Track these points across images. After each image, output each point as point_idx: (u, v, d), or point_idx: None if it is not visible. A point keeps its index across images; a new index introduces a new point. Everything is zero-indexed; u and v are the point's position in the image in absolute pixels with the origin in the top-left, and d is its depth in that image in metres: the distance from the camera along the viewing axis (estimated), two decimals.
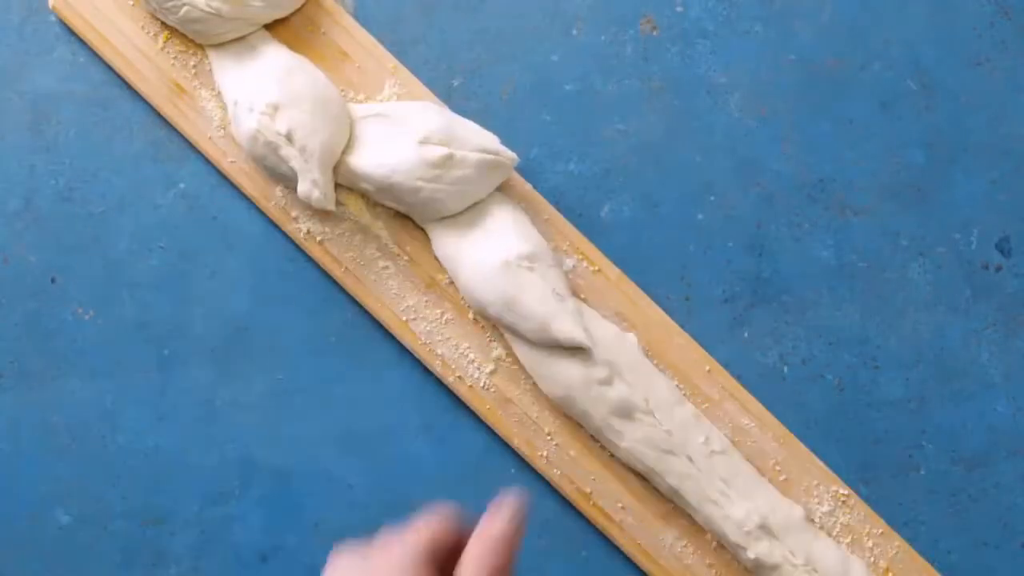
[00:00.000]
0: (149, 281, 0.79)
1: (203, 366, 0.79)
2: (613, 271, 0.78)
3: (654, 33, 0.80)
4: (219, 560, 0.78)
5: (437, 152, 0.73)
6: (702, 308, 0.79)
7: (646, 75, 0.80)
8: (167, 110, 0.78)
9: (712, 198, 0.79)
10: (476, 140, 0.74)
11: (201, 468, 0.79)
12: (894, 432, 0.78)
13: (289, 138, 0.72)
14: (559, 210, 0.78)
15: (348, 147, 0.75)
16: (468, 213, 0.75)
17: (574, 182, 0.79)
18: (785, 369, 0.79)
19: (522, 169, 0.79)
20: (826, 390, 0.79)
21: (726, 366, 0.78)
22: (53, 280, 0.79)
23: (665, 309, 0.77)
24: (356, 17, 0.79)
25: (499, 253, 0.73)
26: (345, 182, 0.75)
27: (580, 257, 0.78)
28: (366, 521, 0.78)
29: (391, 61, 0.78)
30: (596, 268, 0.78)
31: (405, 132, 0.74)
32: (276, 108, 0.73)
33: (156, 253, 0.79)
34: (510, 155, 0.75)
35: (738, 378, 0.78)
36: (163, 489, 0.79)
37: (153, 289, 0.79)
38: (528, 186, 0.78)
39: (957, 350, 0.79)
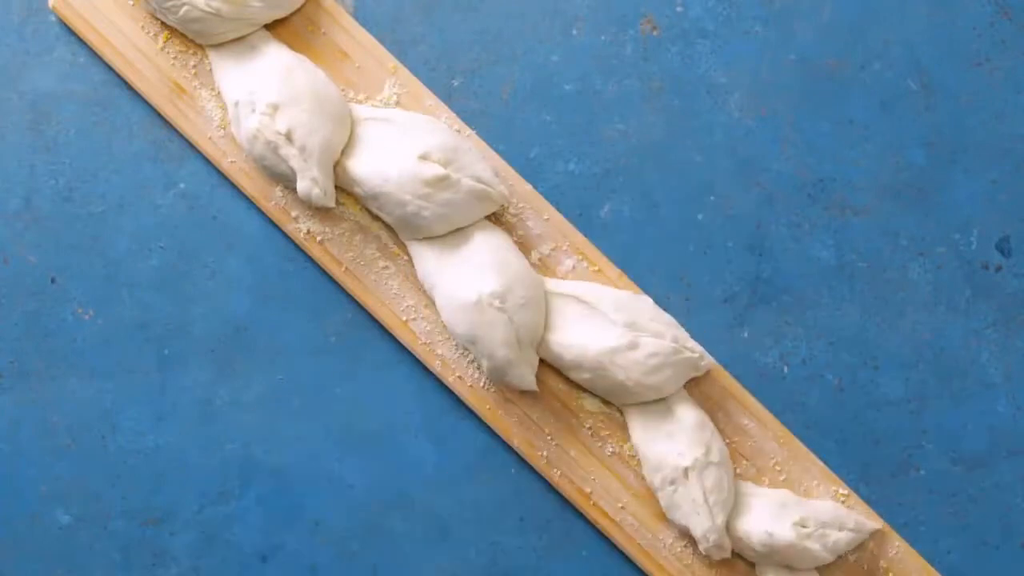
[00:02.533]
0: (149, 281, 0.79)
1: (203, 366, 0.79)
2: (613, 271, 0.78)
3: (654, 33, 0.80)
4: (219, 560, 0.78)
5: (433, 170, 0.72)
6: (702, 308, 0.79)
7: (646, 75, 0.80)
8: (167, 110, 0.78)
9: (712, 198, 0.79)
10: (474, 168, 0.74)
11: (201, 468, 0.79)
12: (894, 432, 0.78)
13: (289, 137, 0.72)
14: (559, 210, 0.78)
15: (347, 148, 0.75)
16: (450, 237, 0.75)
17: (574, 182, 0.79)
18: (785, 369, 0.79)
19: (522, 169, 0.79)
20: (826, 390, 0.79)
21: (726, 366, 0.78)
22: (53, 280, 0.79)
23: (665, 309, 0.77)
24: (355, 17, 0.79)
25: (472, 288, 0.72)
26: (339, 183, 0.75)
27: (580, 257, 0.78)
28: (366, 521, 0.78)
29: (391, 61, 0.78)
30: (596, 268, 0.78)
31: (407, 143, 0.74)
32: (276, 108, 0.73)
33: (156, 253, 0.79)
34: (502, 191, 0.75)
35: (738, 378, 0.78)
36: (163, 489, 0.79)
37: (153, 289, 0.79)
38: (528, 186, 0.78)
39: (957, 350, 0.79)
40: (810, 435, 0.78)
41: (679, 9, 0.80)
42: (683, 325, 0.76)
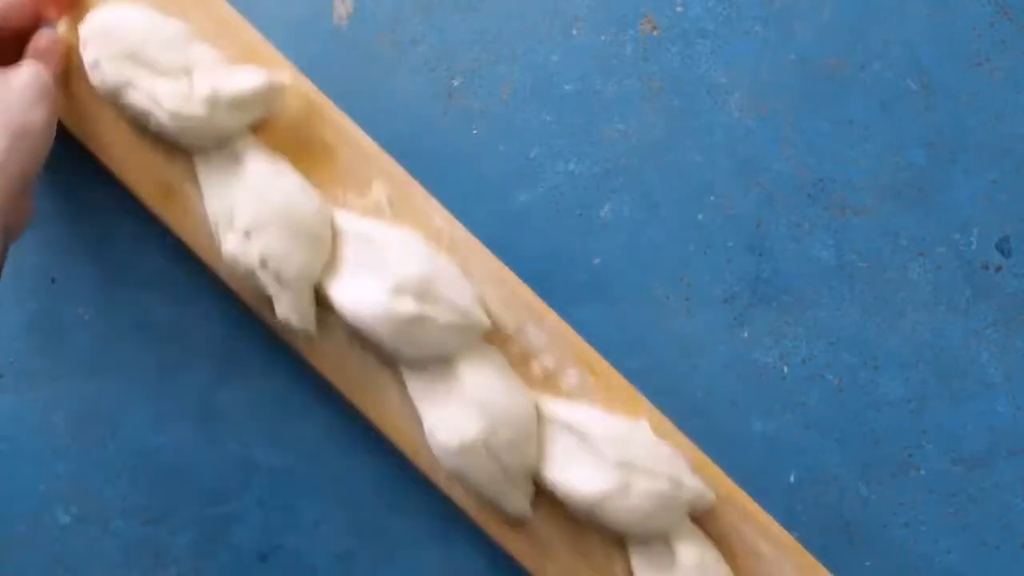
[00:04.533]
0: (149, 281, 0.79)
1: (203, 366, 0.79)
2: (620, 381, 0.74)
3: (654, 33, 0.80)
4: (219, 560, 0.78)
5: (407, 309, 0.69)
6: (702, 308, 0.79)
7: (646, 75, 0.80)
8: (160, 210, 0.74)
9: (712, 198, 0.79)
10: (452, 296, 0.70)
11: (201, 468, 0.79)
12: (894, 432, 0.78)
13: (263, 264, 0.70)
14: (559, 210, 0.78)
15: (329, 265, 0.72)
16: (437, 364, 0.72)
17: (574, 182, 0.79)
18: (785, 369, 0.79)
19: (522, 169, 0.79)
20: (826, 390, 0.79)
21: (726, 366, 0.78)
22: (53, 280, 0.79)
23: (665, 309, 0.77)
24: (355, 17, 0.79)
25: (455, 432, 0.70)
26: (322, 303, 0.73)
27: (585, 369, 0.74)
28: (366, 521, 0.78)
29: (381, 159, 0.74)
30: (602, 379, 0.74)
31: (382, 269, 0.70)
32: (249, 234, 0.70)
33: (156, 253, 0.79)
34: (482, 320, 0.71)
35: (738, 378, 0.78)
36: (163, 489, 0.79)
37: (153, 289, 0.79)
38: (531, 293, 0.74)
39: (957, 350, 0.79)
40: (810, 435, 0.78)
41: (679, 9, 0.80)
42: (683, 325, 0.76)
